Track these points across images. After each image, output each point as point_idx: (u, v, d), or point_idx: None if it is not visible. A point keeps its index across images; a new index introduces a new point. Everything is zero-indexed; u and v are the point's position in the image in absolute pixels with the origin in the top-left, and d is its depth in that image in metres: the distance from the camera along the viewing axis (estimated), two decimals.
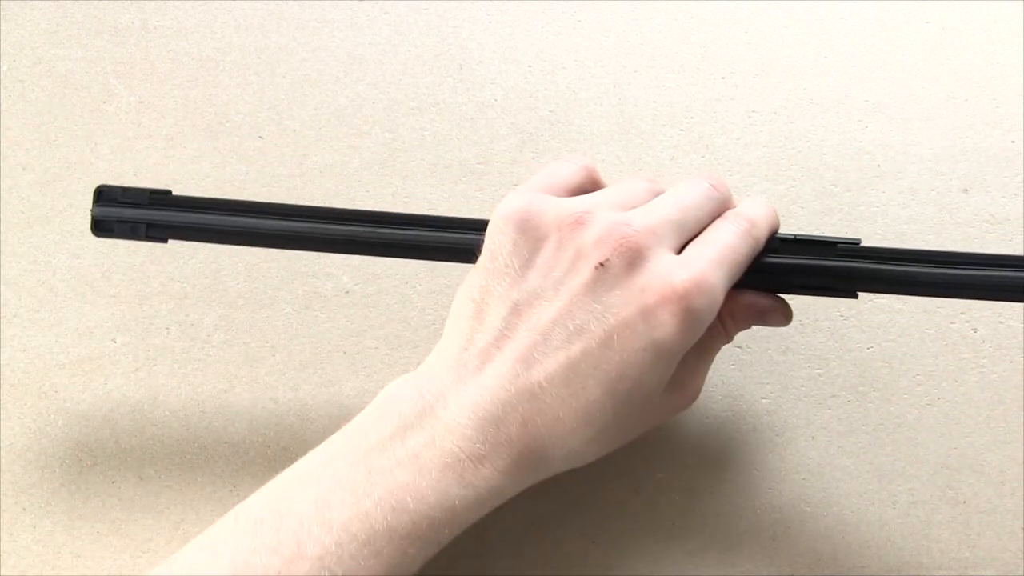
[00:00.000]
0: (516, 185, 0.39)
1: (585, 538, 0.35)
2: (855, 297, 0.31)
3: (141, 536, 0.36)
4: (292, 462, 0.34)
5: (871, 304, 0.38)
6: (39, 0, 0.41)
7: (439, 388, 0.27)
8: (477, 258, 0.29)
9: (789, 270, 0.30)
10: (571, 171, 0.31)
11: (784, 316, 0.32)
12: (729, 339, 0.31)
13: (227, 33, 0.41)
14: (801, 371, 0.37)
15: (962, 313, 0.38)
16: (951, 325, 0.38)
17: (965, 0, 0.42)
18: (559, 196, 0.29)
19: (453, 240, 0.31)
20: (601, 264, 0.26)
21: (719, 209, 0.29)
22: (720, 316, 0.29)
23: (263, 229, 0.31)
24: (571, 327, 0.26)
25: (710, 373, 0.37)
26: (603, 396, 0.26)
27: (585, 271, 0.27)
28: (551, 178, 0.30)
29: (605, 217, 0.27)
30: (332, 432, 0.35)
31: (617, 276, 0.26)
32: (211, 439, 0.37)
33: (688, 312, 0.26)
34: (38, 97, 0.40)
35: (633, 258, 0.26)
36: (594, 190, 0.31)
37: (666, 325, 0.26)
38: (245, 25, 0.41)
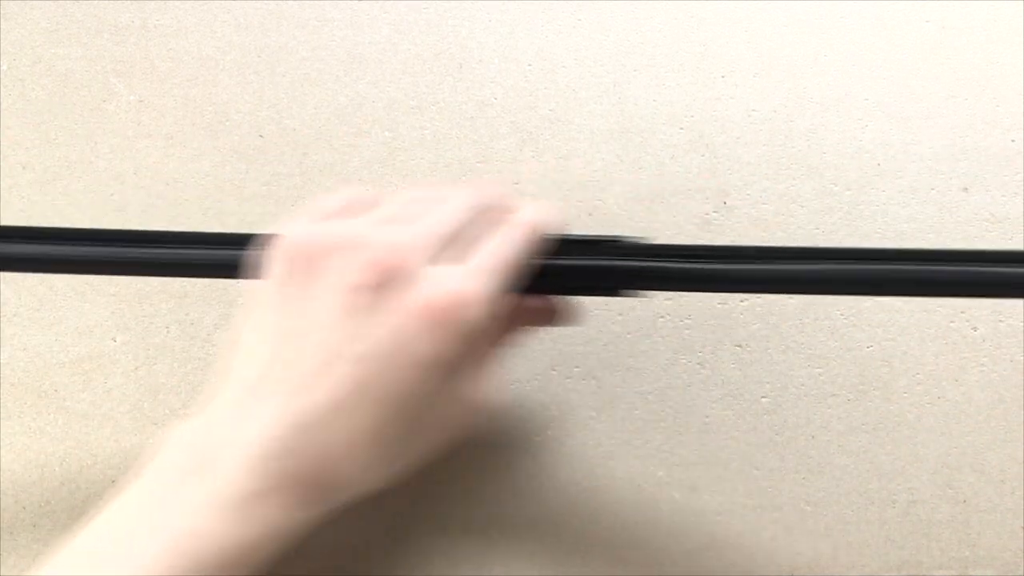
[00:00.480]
0: (516, 184, 0.39)
1: (584, 537, 0.35)
2: (621, 295, 0.30)
3: None
4: None
5: (872, 303, 0.38)
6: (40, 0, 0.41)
7: (218, 430, 0.26)
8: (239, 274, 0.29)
9: (560, 271, 0.30)
10: (338, 199, 0.30)
11: (564, 317, 0.32)
12: (512, 344, 0.31)
13: (227, 32, 0.41)
14: (801, 370, 0.37)
15: (962, 312, 0.38)
16: (951, 324, 0.38)
17: None
18: (329, 221, 0.29)
19: (217, 257, 0.31)
20: (361, 286, 0.26)
21: (489, 217, 0.29)
22: (501, 322, 0.30)
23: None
24: (336, 353, 0.26)
25: (711, 372, 0.37)
26: (380, 418, 0.26)
27: (346, 295, 0.26)
28: (320, 205, 0.30)
29: (366, 239, 0.27)
30: None
31: (378, 297, 0.26)
32: None
33: (452, 326, 0.26)
34: (38, 96, 0.40)
35: (392, 277, 0.26)
36: (365, 210, 0.30)
37: (431, 341, 0.26)
38: (245, 24, 0.41)
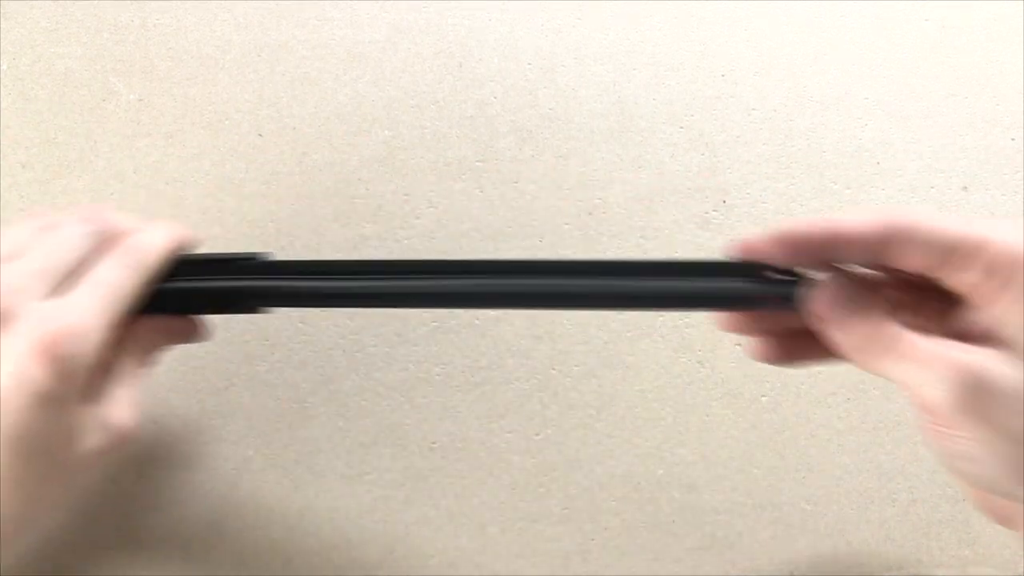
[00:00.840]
0: (517, 183, 0.39)
1: (585, 535, 0.35)
2: (257, 312, 0.30)
3: (141, 535, 0.36)
4: (293, 459, 0.34)
5: None
6: None
7: None
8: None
9: (187, 293, 0.30)
10: None
11: (193, 334, 0.32)
12: (147, 364, 0.31)
13: (226, 31, 0.41)
14: (801, 369, 0.37)
15: None
16: None
17: None
18: None
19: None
20: None
21: (101, 245, 0.29)
22: (124, 345, 0.30)
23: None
24: None
25: (710, 371, 0.37)
26: (13, 462, 0.26)
27: None
28: None
29: None
30: (333, 429, 0.35)
31: (13, 351, 0.26)
32: (211, 437, 0.37)
33: (58, 359, 0.26)
34: (38, 95, 0.40)
35: (1, 319, 0.27)
36: None
37: (40, 375, 0.26)
38: (244, 23, 0.41)
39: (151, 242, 0.30)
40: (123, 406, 0.29)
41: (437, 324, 0.37)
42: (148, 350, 0.31)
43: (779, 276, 0.28)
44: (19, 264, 0.28)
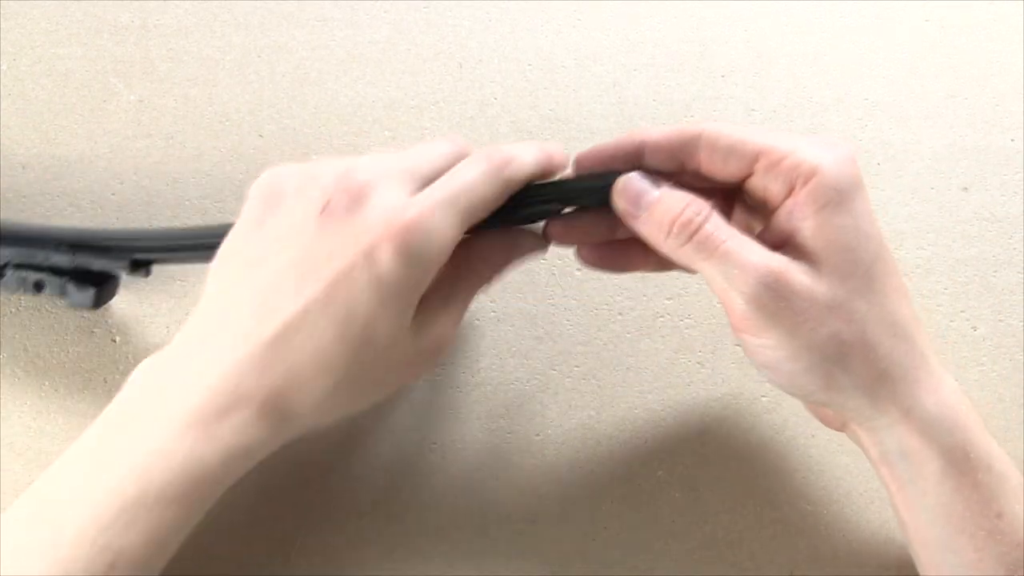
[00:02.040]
0: None
1: (585, 535, 0.35)
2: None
3: None
4: (294, 457, 0.34)
5: None
6: None
7: (182, 358, 0.27)
8: None
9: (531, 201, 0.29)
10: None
11: (535, 247, 0.31)
12: (485, 282, 0.31)
13: (227, 32, 0.41)
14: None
15: (962, 311, 0.38)
16: (951, 323, 0.38)
17: None
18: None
19: None
20: (327, 208, 0.27)
21: (460, 155, 0.29)
22: (470, 259, 0.29)
23: None
24: (298, 275, 0.26)
25: (710, 371, 0.37)
26: (335, 340, 0.26)
27: (311, 219, 0.27)
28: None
29: (333, 170, 0.28)
30: (332, 428, 0.35)
31: (340, 219, 0.27)
32: None
33: (406, 248, 0.26)
34: (38, 96, 0.40)
35: (354, 199, 0.27)
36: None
37: (385, 263, 0.26)
38: (245, 24, 0.41)
39: (515, 153, 0.29)
40: (449, 324, 0.29)
41: None
42: (490, 266, 0.30)
43: (592, 179, 0.30)
44: (384, 159, 0.28)
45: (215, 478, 0.26)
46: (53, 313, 0.37)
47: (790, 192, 0.27)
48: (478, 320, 0.37)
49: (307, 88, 0.40)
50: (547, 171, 0.30)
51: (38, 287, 0.33)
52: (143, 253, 0.33)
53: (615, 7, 0.42)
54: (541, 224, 0.31)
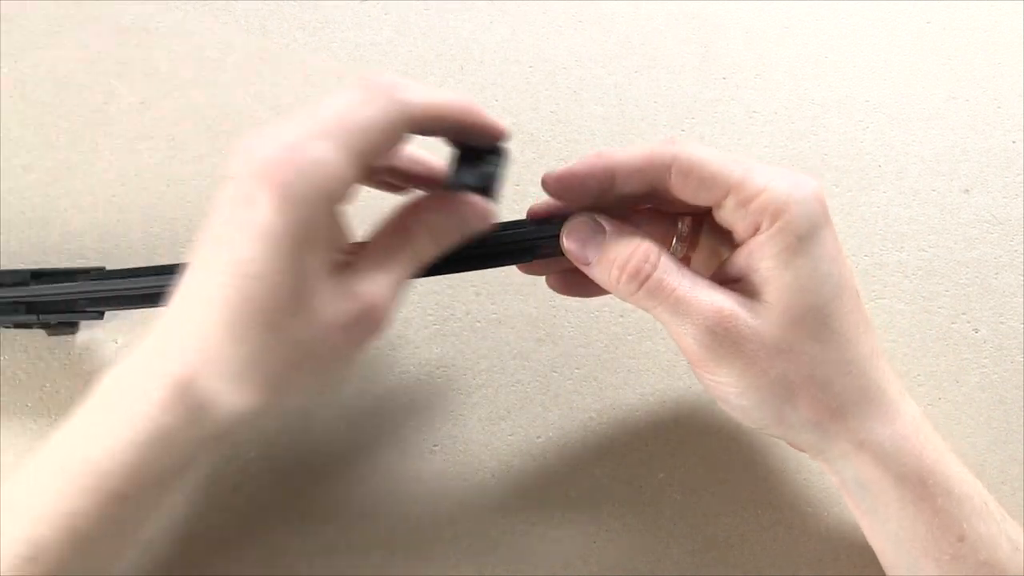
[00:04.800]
0: (518, 186, 0.39)
1: (586, 537, 0.35)
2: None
3: (141, 535, 0.36)
4: (294, 460, 0.34)
5: (872, 304, 0.38)
6: (40, 0, 0.41)
7: (137, 360, 0.26)
8: None
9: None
10: None
11: (480, 217, 0.28)
12: (429, 252, 0.27)
13: (228, 33, 0.41)
14: None
15: (963, 314, 0.38)
16: (952, 325, 0.38)
17: (966, 0, 0.42)
18: None
19: None
20: (234, 178, 0.24)
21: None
22: (409, 226, 0.27)
23: None
24: (201, 240, 0.24)
25: None
26: (231, 301, 0.23)
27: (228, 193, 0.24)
28: None
29: (255, 139, 0.25)
30: (333, 430, 0.35)
31: (234, 178, 0.24)
32: None
33: (282, 188, 0.23)
34: (39, 98, 0.40)
35: (246, 152, 0.24)
36: None
37: (262, 207, 0.23)
38: (246, 26, 0.41)
39: (401, 80, 0.26)
40: (381, 284, 0.26)
41: (438, 327, 0.37)
42: (432, 234, 0.27)
43: (550, 224, 0.29)
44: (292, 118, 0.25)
45: (132, 468, 0.25)
46: None
47: (755, 230, 0.27)
48: (479, 322, 0.37)
49: (308, 90, 0.40)
50: (459, 115, 0.26)
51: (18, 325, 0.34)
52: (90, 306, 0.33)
53: (616, 8, 0.42)
54: (485, 196, 0.28)
